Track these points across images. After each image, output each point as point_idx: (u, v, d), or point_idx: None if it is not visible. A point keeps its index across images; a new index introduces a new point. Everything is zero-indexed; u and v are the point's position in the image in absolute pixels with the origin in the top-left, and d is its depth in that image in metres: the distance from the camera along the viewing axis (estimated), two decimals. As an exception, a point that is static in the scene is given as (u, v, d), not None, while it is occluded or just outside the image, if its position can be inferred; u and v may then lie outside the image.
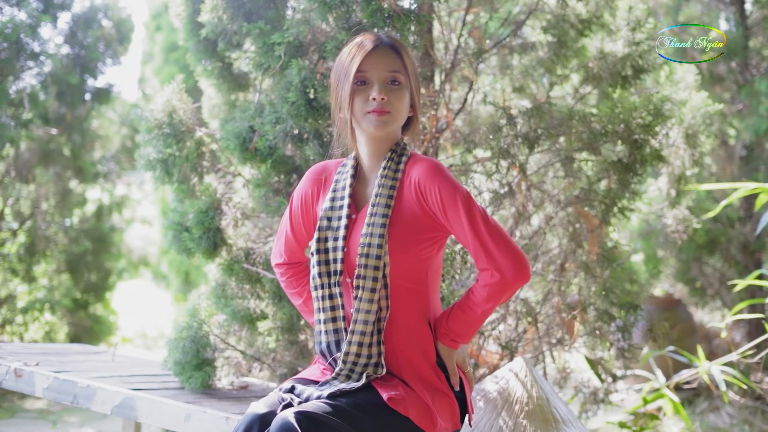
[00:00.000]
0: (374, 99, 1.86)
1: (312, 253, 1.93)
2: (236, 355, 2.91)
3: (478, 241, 1.81)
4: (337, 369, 1.84)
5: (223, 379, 2.87)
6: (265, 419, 1.74)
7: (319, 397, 1.76)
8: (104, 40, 5.69)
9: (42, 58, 5.14)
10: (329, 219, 1.93)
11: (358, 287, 1.82)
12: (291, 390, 1.84)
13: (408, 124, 1.99)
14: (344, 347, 1.83)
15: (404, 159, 1.93)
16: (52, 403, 4.81)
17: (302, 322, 2.87)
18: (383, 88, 1.88)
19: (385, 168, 1.90)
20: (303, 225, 2.05)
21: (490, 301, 1.85)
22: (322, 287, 1.90)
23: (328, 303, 1.90)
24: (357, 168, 1.98)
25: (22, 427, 4.27)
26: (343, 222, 1.90)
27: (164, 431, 3.15)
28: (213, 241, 2.79)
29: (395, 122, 1.90)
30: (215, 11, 2.83)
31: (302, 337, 2.93)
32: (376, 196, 1.88)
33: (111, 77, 21.88)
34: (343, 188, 1.95)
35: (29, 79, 5.32)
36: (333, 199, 1.95)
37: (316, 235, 1.93)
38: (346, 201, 1.92)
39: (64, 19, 5.53)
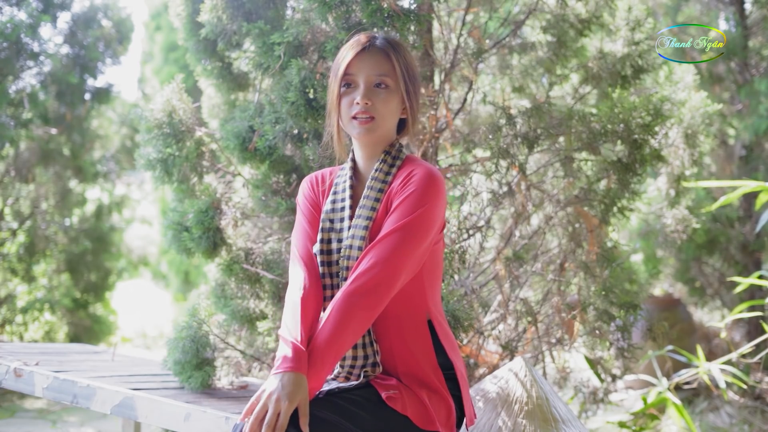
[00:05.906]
0: (357, 103, 1.85)
1: (315, 254, 1.93)
2: (236, 355, 2.92)
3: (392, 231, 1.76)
4: (335, 372, 1.85)
5: (223, 379, 2.87)
6: (265, 418, 1.74)
7: (317, 395, 1.76)
8: (104, 39, 5.69)
9: (42, 57, 5.14)
10: (331, 221, 1.93)
11: None
12: (290, 389, 1.84)
13: (403, 126, 1.97)
14: None
15: (398, 162, 1.91)
16: (52, 402, 4.81)
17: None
18: (368, 91, 1.85)
19: (376, 170, 1.90)
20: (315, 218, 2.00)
21: (358, 281, 1.72)
22: (325, 288, 1.90)
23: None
24: (355, 169, 1.98)
25: (22, 426, 4.27)
26: (346, 223, 1.90)
27: (164, 431, 3.15)
28: (213, 240, 2.79)
29: (380, 128, 1.88)
30: (215, 11, 2.84)
31: (302, 336, 2.93)
32: (363, 198, 1.88)
33: (111, 77, 21.94)
34: (343, 190, 1.95)
35: (29, 79, 5.32)
36: (334, 201, 1.95)
37: (319, 237, 1.92)
38: (347, 202, 1.92)
39: (64, 18, 5.54)
